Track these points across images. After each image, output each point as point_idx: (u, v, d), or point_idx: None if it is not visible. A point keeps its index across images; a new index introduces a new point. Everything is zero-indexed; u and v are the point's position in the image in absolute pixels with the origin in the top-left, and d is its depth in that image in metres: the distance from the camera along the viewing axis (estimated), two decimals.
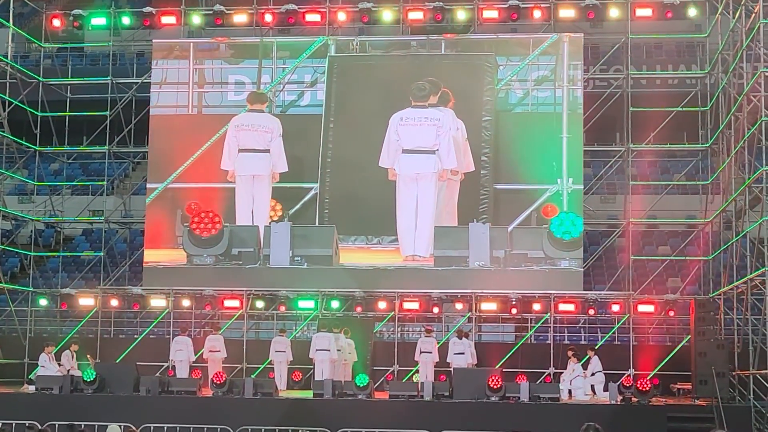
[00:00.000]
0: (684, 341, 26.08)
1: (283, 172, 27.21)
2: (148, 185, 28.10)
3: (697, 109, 27.76)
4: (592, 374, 24.46)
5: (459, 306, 26.89)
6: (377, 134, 26.71)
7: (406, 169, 26.38)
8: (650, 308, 26.31)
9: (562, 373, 24.76)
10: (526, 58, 27.50)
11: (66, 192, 32.53)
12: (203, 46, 29.14)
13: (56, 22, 29.27)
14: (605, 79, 29.92)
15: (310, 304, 26.93)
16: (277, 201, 27.33)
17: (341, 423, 21.15)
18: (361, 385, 22.68)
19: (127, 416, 20.74)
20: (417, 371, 25.39)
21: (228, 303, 27.16)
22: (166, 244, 27.69)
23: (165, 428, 19.82)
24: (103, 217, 29.90)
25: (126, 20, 28.54)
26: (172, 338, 26.11)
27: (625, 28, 27.45)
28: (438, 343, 25.60)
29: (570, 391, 24.07)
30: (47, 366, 24.91)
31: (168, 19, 28.30)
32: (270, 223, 27.04)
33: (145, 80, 28.78)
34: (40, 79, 29.62)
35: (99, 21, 28.96)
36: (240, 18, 28.12)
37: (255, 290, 26.89)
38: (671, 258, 28.98)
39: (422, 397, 22.68)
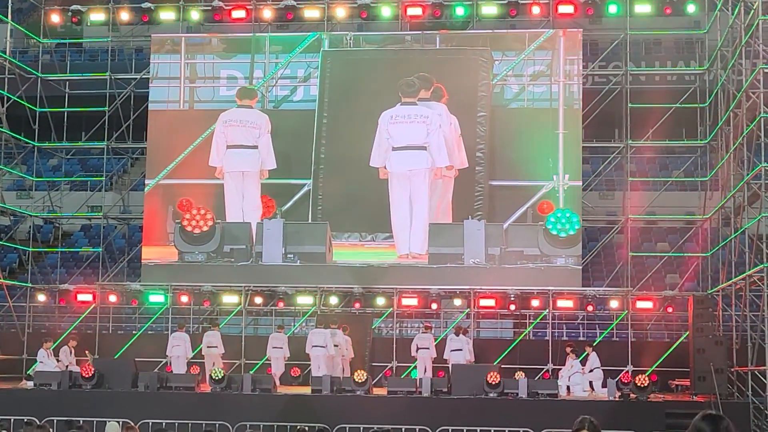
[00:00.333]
0: (682, 338, 26.07)
1: (271, 168, 27.03)
2: (147, 181, 28.07)
3: (696, 105, 27.75)
4: (591, 370, 24.49)
5: (457, 302, 26.87)
6: (371, 130, 26.52)
7: (398, 166, 26.25)
8: (649, 305, 26.33)
9: (560, 369, 24.78)
10: (522, 53, 27.35)
11: (64, 187, 32.53)
12: (195, 40, 29.02)
13: (55, 18, 29.25)
14: (604, 75, 29.91)
15: (309, 300, 26.92)
16: (270, 197, 27.21)
17: (339, 419, 21.16)
18: (359, 381, 22.68)
19: (126, 412, 20.73)
20: (415, 367, 25.38)
21: (227, 299, 27.14)
22: (160, 240, 27.55)
23: (163, 424, 19.79)
24: (101, 213, 29.88)
25: (125, 16, 28.47)
26: (171, 334, 26.12)
27: (624, 25, 27.43)
28: (436, 339, 25.61)
29: (568, 388, 24.10)
30: (46, 362, 24.92)
31: (167, 15, 28.25)
32: (263, 219, 26.89)
33: (144, 76, 28.76)
34: (39, 74, 29.60)
35: (98, 16, 28.93)
36: (238, 14, 28.06)
37: (254, 286, 26.87)
38: (670, 254, 28.98)
39: (420, 393, 22.69)
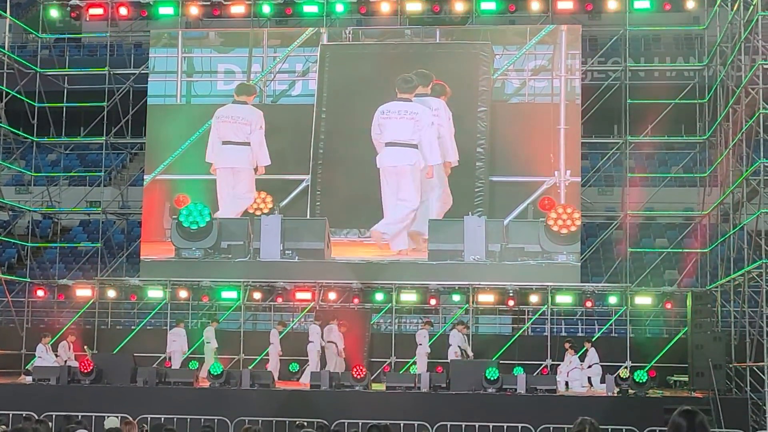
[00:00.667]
0: (681, 333, 26.09)
1: (266, 165, 26.92)
2: (145, 176, 28.03)
3: (695, 101, 27.74)
4: (589, 366, 24.51)
5: (456, 298, 26.84)
6: (370, 125, 26.37)
7: (386, 161, 26.16)
8: (647, 300, 26.31)
9: (559, 365, 24.78)
10: (522, 47, 27.15)
11: (63, 183, 32.51)
12: (192, 34, 28.93)
13: (54, 13, 29.22)
14: (603, 71, 29.92)
15: (307, 295, 26.91)
16: (268, 193, 27.03)
17: (338, 414, 21.16)
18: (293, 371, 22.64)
19: (125, 407, 20.72)
20: (414, 363, 25.40)
21: (225, 294, 27.13)
22: (158, 236, 27.38)
23: (162, 419, 19.80)
24: (100, 208, 29.87)
25: (123, 11, 28.43)
26: (169, 329, 26.15)
27: (624, 20, 27.40)
28: (434, 335, 25.64)
29: (567, 383, 24.13)
30: (44, 357, 24.93)
31: (166, 10, 28.21)
32: (261, 215, 26.66)
33: (143, 71, 28.72)
34: (38, 69, 29.56)
35: (96, 11, 28.88)
36: (237, 9, 28.03)
37: (252, 281, 26.86)
38: (668, 250, 28.99)
39: (419, 388, 22.70)
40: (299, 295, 27.00)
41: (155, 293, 27.46)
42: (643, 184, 29.17)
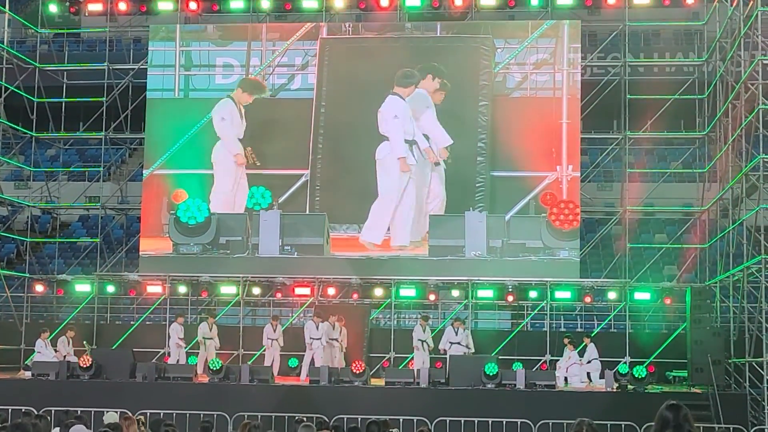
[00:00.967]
0: (680, 329, 26.08)
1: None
2: (144, 171, 27.98)
3: (695, 97, 27.73)
4: (588, 362, 24.52)
5: (455, 293, 26.83)
6: (370, 119, 26.27)
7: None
8: (646, 296, 26.32)
9: (558, 360, 24.78)
10: (524, 41, 26.94)
11: (62, 178, 32.50)
12: (190, 27, 28.75)
13: (53, 8, 29.18)
14: (603, 66, 29.90)
15: (306, 290, 26.90)
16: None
17: (337, 409, 21.16)
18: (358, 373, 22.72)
19: (124, 402, 20.73)
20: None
21: (224, 289, 27.12)
22: (157, 231, 27.26)
23: (161, 414, 19.77)
24: (99, 203, 29.85)
25: (122, 6, 28.38)
26: (168, 324, 26.13)
27: (623, 16, 27.38)
28: (433, 330, 25.64)
29: (566, 379, 24.13)
30: (43, 352, 24.93)
31: (165, 5, 28.17)
32: (261, 211, 26.59)
33: (142, 66, 28.69)
34: (37, 64, 29.52)
35: (95, 7, 28.85)
36: (236, 4, 27.99)
37: (251, 277, 26.84)
38: (668, 246, 28.98)
39: (418, 384, 22.70)
40: (298, 291, 26.98)
41: (154, 288, 27.43)
42: (642, 179, 29.17)
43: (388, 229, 26.41)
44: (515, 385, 22.38)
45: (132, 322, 28.94)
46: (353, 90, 27.11)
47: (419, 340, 24.86)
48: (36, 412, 17.58)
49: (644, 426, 20.43)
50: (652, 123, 27.67)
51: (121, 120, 29.07)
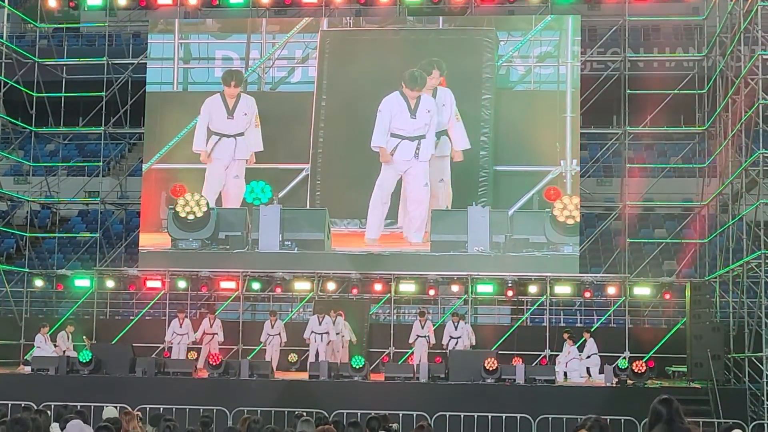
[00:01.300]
0: (679, 324, 26.09)
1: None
2: (144, 165, 27.93)
3: (695, 91, 27.71)
4: (588, 357, 24.51)
5: (455, 288, 26.81)
6: (371, 113, 26.06)
7: None
8: (646, 291, 26.32)
9: (557, 355, 24.78)
10: (528, 33, 26.68)
11: (62, 173, 32.47)
12: (189, 20, 28.63)
13: (52, 2, 29.11)
14: (602, 61, 29.86)
15: (306, 285, 26.88)
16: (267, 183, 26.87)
17: (337, 405, 21.16)
18: (357, 367, 22.71)
19: (123, 397, 20.73)
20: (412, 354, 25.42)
21: (224, 284, 27.11)
22: (156, 226, 27.10)
23: (161, 409, 19.78)
24: (99, 198, 29.83)
25: (122, 0, 28.34)
26: (168, 320, 26.14)
27: (623, 11, 27.35)
28: (434, 325, 25.65)
29: (565, 374, 24.14)
30: (43, 347, 24.92)
31: (164, 0, 28.12)
32: (260, 206, 26.48)
33: (141, 61, 28.65)
34: (36, 59, 29.49)
35: (95, 1, 28.83)
36: None
37: (251, 271, 26.82)
38: (667, 241, 28.98)
39: (418, 379, 22.71)
40: (298, 286, 26.97)
41: (153, 284, 27.41)
42: (642, 174, 29.16)
43: (386, 223, 26.31)
44: (515, 380, 22.39)
45: (132, 317, 28.94)
46: (354, 83, 26.84)
47: (417, 335, 24.89)
48: (35, 407, 17.58)
49: (643, 421, 20.41)
50: (652, 118, 27.64)
51: (120, 115, 29.04)
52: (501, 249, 25.76)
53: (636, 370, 22.21)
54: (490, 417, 21.21)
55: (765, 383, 21.42)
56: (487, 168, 26.14)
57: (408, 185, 26.14)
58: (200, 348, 25.52)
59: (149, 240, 27.16)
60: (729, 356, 23.47)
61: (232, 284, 26.93)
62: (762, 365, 21.65)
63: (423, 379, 22.63)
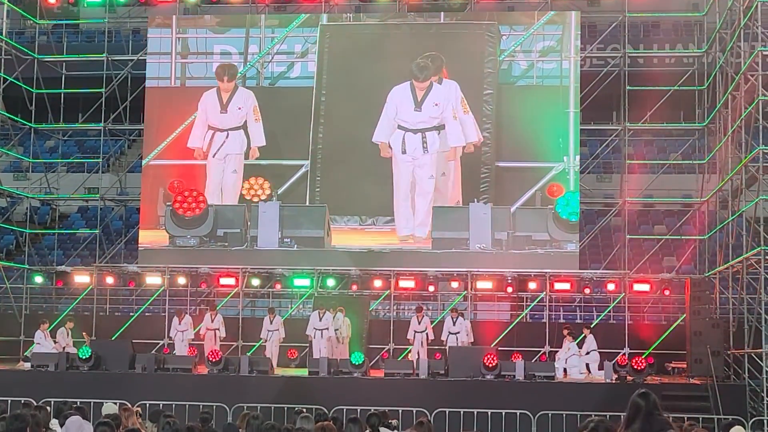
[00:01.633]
0: (679, 320, 26.08)
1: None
2: (143, 160, 27.89)
3: (694, 88, 27.69)
4: (587, 353, 24.51)
5: (455, 284, 26.80)
6: (372, 108, 25.94)
7: None
8: (646, 287, 26.31)
9: (557, 351, 24.78)
10: (530, 27, 26.46)
11: (61, 169, 32.46)
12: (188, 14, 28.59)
13: None
14: (602, 57, 29.83)
15: (306, 282, 26.86)
16: (266, 179, 26.63)
17: (337, 401, 21.17)
18: (357, 363, 22.71)
19: (123, 393, 20.76)
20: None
21: (224, 281, 27.08)
22: (155, 223, 26.94)
23: (161, 405, 19.78)
24: (98, 195, 29.81)
25: None
26: (168, 316, 26.14)
27: (623, 7, 27.32)
28: (433, 322, 25.65)
29: (565, 370, 24.13)
30: (43, 343, 24.94)
31: None
32: (259, 202, 26.32)
33: (141, 57, 28.62)
34: (35, 55, 29.47)
35: None
36: None
37: (251, 268, 26.80)
38: (667, 237, 28.97)
39: (418, 375, 22.71)
40: (297, 282, 26.94)
41: (153, 280, 27.41)
42: (641, 171, 29.14)
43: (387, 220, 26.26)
44: (514, 376, 22.40)
45: (131, 314, 28.93)
46: (355, 78, 26.71)
47: (414, 331, 24.92)
48: (35, 403, 17.59)
49: None
50: (652, 114, 27.62)
51: (120, 111, 29.02)
52: (503, 246, 25.55)
53: (635, 367, 22.20)
54: (489, 413, 21.20)
55: (765, 379, 21.41)
56: (489, 164, 25.96)
57: (416, 178, 26.04)
58: (201, 344, 25.52)
59: (149, 236, 27.08)
60: (729, 352, 23.46)
61: (231, 281, 26.90)
62: (761, 361, 21.64)
63: (422, 375, 22.64)
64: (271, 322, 25.44)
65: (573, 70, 26.23)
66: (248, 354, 25.11)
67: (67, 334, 25.67)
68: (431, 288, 26.78)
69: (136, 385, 22.43)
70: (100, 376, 22.94)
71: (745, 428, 18.43)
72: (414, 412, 20.06)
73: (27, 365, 24.09)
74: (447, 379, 22.56)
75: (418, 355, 24.45)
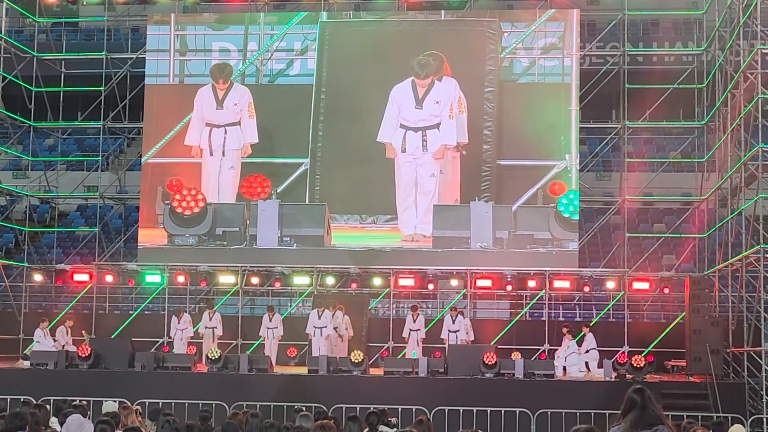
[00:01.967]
0: (678, 318, 26.10)
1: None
2: (143, 158, 27.86)
3: (694, 86, 27.69)
4: (587, 351, 24.52)
5: (454, 283, 26.79)
6: (372, 106, 25.87)
7: None
8: (645, 285, 26.32)
9: (556, 349, 24.78)
10: (532, 24, 26.34)
11: (61, 167, 32.43)
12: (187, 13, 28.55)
13: None
14: (602, 56, 29.81)
15: (306, 280, 26.84)
16: (265, 177, 26.51)
17: (336, 399, 21.17)
18: (356, 362, 22.71)
19: (122, 392, 20.77)
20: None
21: (223, 279, 27.06)
22: (153, 221, 26.87)
23: (160, 404, 19.78)
24: (98, 193, 29.79)
25: None
26: (167, 314, 26.13)
27: (622, 5, 27.31)
28: (432, 320, 25.65)
29: (564, 368, 24.13)
30: (42, 341, 24.93)
31: None
32: (258, 201, 26.25)
33: (140, 55, 28.61)
34: (35, 54, 29.46)
35: None
36: None
37: (250, 266, 26.78)
38: (666, 235, 28.97)
39: (417, 373, 22.71)
40: (297, 280, 26.93)
41: (153, 278, 27.39)
42: (641, 169, 29.14)
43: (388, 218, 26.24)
44: (514, 374, 22.40)
45: (131, 312, 28.94)
46: (354, 76, 26.56)
47: (410, 330, 24.93)
48: (35, 402, 17.60)
49: None
50: (651, 112, 27.63)
51: (119, 109, 29.02)
52: (504, 245, 25.42)
53: (635, 365, 22.21)
54: (489, 411, 21.19)
55: (764, 378, 21.43)
56: (490, 162, 25.86)
57: (418, 176, 26.00)
58: (200, 342, 25.51)
59: (148, 235, 27.04)
60: (728, 351, 23.48)
61: (231, 279, 26.89)
62: (761, 360, 21.65)
63: (422, 373, 22.63)
64: (271, 320, 25.43)
65: (575, 67, 26.15)
66: (248, 352, 25.11)
67: (67, 333, 25.68)
68: (431, 286, 26.74)
69: (135, 383, 22.42)
70: (100, 375, 22.92)
71: (744, 426, 18.45)
72: (413, 410, 20.07)
73: (26, 363, 24.08)
74: (446, 378, 22.55)
75: (420, 352, 24.46)
